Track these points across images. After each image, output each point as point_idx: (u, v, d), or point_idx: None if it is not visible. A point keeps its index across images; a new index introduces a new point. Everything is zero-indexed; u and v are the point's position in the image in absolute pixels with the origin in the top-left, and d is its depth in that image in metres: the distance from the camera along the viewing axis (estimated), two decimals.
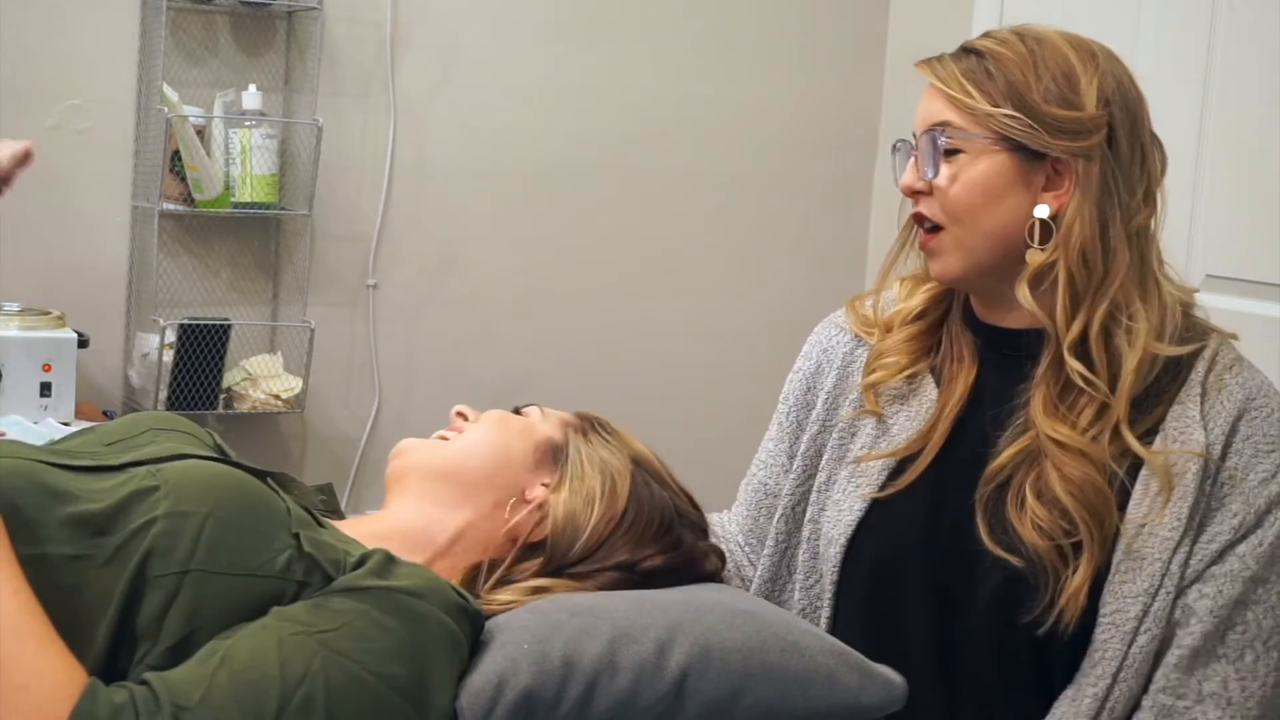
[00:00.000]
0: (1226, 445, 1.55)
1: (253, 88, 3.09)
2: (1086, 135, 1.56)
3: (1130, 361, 1.55)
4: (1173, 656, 1.53)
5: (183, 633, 1.26)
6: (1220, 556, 1.54)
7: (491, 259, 3.43)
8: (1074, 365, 1.55)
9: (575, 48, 3.45)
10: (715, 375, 3.63)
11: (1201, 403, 1.56)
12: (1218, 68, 2.68)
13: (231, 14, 3.14)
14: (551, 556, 1.53)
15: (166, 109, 2.97)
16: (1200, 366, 1.58)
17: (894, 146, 1.69)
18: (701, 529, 1.64)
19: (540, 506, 1.54)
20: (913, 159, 1.63)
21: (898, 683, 1.46)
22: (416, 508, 1.54)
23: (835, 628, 1.66)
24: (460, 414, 1.64)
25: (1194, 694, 1.52)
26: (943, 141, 1.58)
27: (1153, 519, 1.53)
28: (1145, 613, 1.52)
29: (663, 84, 3.52)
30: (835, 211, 3.70)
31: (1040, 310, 1.57)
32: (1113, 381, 1.55)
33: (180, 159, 3.02)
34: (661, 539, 1.57)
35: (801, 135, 3.64)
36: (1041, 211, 1.57)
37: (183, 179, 3.05)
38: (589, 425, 1.63)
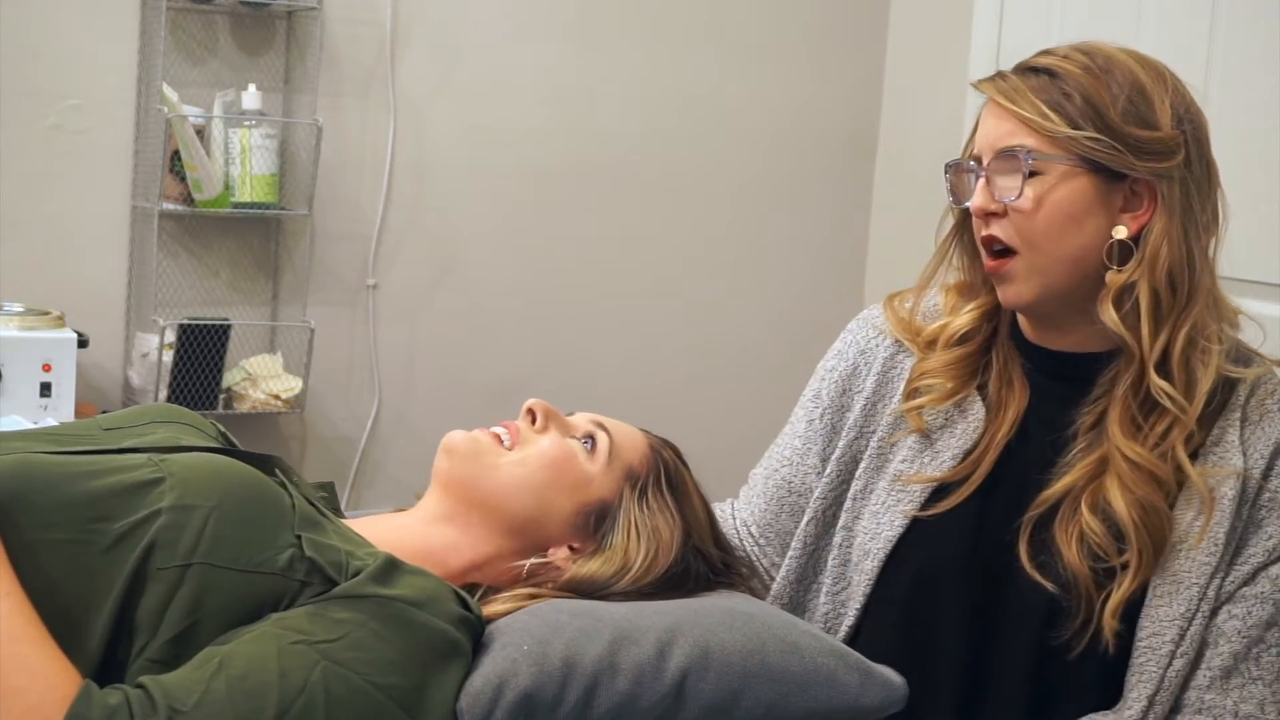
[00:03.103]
0: (1269, 467, 1.55)
1: (252, 88, 3.09)
2: (1169, 156, 1.53)
3: (1205, 383, 1.54)
4: (1203, 678, 1.52)
5: (183, 625, 1.26)
6: (1252, 578, 1.53)
7: (491, 259, 3.43)
8: (1159, 383, 1.53)
9: (575, 48, 3.45)
10: (715, 374, 3.62)
11: (1241, 428, 1.56)
12: (1218, 67, 2.68)
13: (231, 14, 3.14)
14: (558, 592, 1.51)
15: (166, 109, 2.97)
16: (1242, 392, 1.58)
17: (951, 166, 1.63)
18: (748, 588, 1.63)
19: (558, 567, 1.52)
20: (983, 180, 1.57)
21: (897, 683, 1.46)
22: (439, 530, 1.52)
23: (860, 635, 1.65)
24: (530, 413, 1.57)
25: (1230, 714, 1.51)
26: (1029, 164, 1.54)
27: (1191, 542, 1.52)
28: (1182, 636, 1.51)
29: (663, 84, 3.52)
30: (835, 211, 3.70)
31: (1123, 329, 1.54)
32: (1186, 401, 1.54)
33: (180, 159, 3.02)
34: (688, 595, 1.55)
35: (801, 135, 3.64)
36: (1120, 233, 1.55)
37: (182, 179, 3.05)
38: (653, 479, 1.57)
